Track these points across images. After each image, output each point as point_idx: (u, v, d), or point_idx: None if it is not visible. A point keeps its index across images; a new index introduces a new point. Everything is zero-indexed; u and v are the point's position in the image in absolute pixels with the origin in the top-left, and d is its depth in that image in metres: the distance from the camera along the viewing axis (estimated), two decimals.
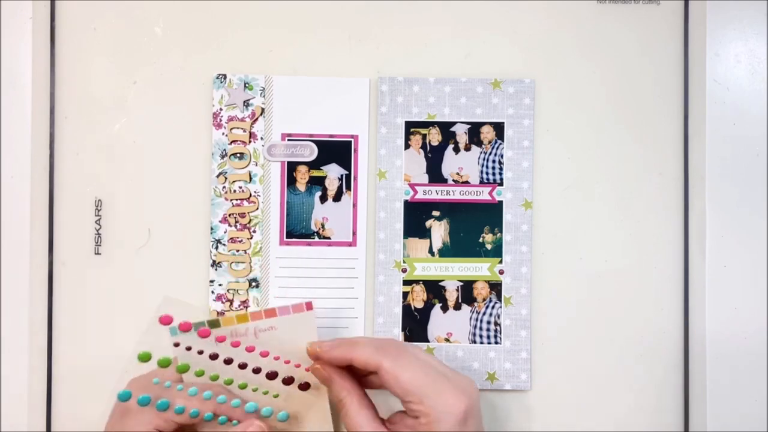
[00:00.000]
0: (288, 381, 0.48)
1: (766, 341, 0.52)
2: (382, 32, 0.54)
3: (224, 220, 0.53)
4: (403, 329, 0.53)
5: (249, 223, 0.53)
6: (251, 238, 0.53)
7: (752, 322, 0.53)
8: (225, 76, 0.53)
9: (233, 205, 0.53)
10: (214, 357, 0.47)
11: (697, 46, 0.54)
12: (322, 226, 0.53)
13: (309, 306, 0.47)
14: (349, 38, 0.54)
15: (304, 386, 0.48)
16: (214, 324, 0.46)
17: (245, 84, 0.53)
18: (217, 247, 0.53)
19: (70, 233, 0.53)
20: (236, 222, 0.53)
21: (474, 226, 0.53)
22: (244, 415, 0.47)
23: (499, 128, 0.54)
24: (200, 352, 0.46)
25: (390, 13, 0.54)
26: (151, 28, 0.54)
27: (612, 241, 0.53)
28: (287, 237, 0.53)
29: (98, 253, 0.53)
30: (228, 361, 0.47)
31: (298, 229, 0.53)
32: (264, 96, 0.53)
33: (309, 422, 0.49)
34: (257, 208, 0.53)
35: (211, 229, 0.53)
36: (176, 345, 0.46)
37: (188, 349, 0.46)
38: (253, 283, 0.53)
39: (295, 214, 0.53)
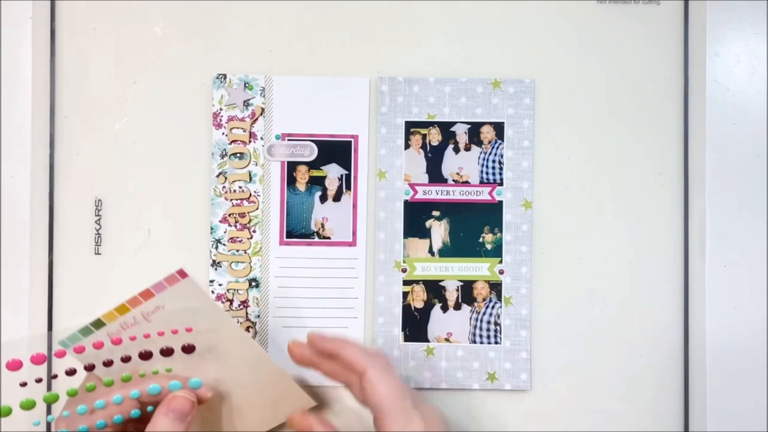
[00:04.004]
0: (188, 349, 0.46)
1: (766, 341, 0.52)
2: (382, 32, 0.54)
3: (224, 220, 0.53)
4: (403, 329, 0.53)
5: (249, 223, 0.53)
6: (251, 238, 0.53)
7: (752, 322, 0.53)
8: (225, 76, 0.53)
9: (233, 205, 0.53)
10: (108, 363, 0.44)
11: (697, 46, 0.54)
12: (322, 226, 0.53)
13: (182, 273, 0.44)
14: (349, 38, 0.54)
15: (188, 348, 0.46)
16: (98, 324, 0.44)
17: (245, 84, 0.53)
18: (217, 247, 0.53)
19: (70, 233, 0.53)
20: (236, 222, 0.53)
21: (474, 226, 0.53)
22: (153, 398, 0.44)
23: (499, 128, 0.54)
24: (90, 367, 0.44)
25: (390, 13, 0.54)
26: (151, 28, 0.54)
27: (612, 241, 0.53)
28: (287, 237, 0.53)
29: (98, 253, 0.53)
30: (126, 359, 0.45)
31: (298, 229, 0.53)
32: (264, 96, 0.53)
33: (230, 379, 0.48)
34: (257, 208, 0.53)
35: (211, 229, 0.53)
36: (55, 377, 0.43)
37: (72, 372, 0.44)
38: (253, 283, 0.53)
39: (295, 214, 0.53)
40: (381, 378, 0.43)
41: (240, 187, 0.53)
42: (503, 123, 0.54)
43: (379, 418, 0.42)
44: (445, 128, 0.54)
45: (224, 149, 0.53)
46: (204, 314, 0.46)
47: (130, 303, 0.45)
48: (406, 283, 0.53)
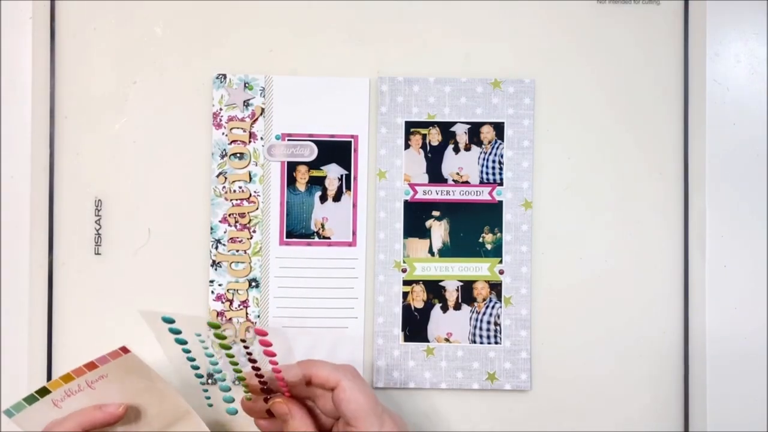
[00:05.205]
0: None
1: (766, 341, 0.52)
2: (382, 32, 0.54)
3: (224, 220, 0.53)
4: (403, 329, 0.53)
5: (249, 223, 0.53)
6: (251, 238, 0.53)
7: (752, 322, 0.53)
8: (225, 76, 0.53)
9: (233, 205, 0.53)
10: None
11: (697, 46, 0.54)
12: (322, 226, 0.53)
13: (124, 350, 0.46)
14: (349, 38, 0.54)
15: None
16: (43, 392, 0.45)
17: (245, 84, 0.53)
18: (216, 247, 0.53)
19: (70, 233, 0.53)
20: (236, 222, 0.53)
21: (474, 226, 0.53)
22: None
23: (499, 128, 0.54)
24: None
25: (390, 13, 0.54)
26: (151, 28, 0.54)
27: (612, 241, 0.53)
28: (287, 237, 0.53)
29: (98, 253, 0.53)
30: None
31: (298, 229, 0.53)
32: (264, 96, 0.53)
33: None
34: (257, 208, 0.53)
35: (211, 229, 0.53)
36: None
37: None
38: (253, 283, 0.53)
39: (295, 214, 0.53)
40: (354, 386, 0.45)
41: (240, 187, 0.53)
42: (503, 123, 0.54)
43: (354, 423, 0.44)
44: (445, 128, 0.54)
45: (224, 149, 0.53)
46: (148, 386, 0.47)
47: (75, 372, 0.46)
48: (406, 283, 0.53)
